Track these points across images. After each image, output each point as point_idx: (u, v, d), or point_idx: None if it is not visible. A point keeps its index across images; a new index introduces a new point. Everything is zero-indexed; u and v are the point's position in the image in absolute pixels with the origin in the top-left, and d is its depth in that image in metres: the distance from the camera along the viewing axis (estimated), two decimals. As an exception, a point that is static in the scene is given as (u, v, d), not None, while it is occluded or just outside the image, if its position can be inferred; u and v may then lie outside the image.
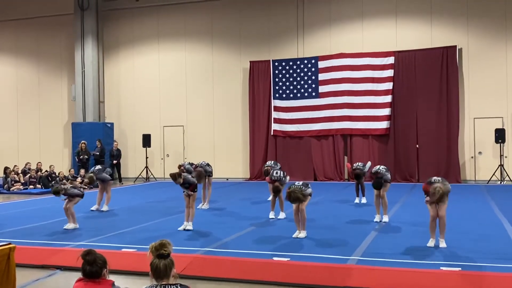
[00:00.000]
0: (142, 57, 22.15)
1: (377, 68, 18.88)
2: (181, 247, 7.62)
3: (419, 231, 8.79)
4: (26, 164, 19.08)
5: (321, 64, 19.52)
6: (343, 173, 19.33)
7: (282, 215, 10.59)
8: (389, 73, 18.73)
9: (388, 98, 18.73)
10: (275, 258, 7.02)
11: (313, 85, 19.69)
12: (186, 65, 21.54)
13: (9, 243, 4.65)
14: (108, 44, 22.57)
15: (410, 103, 18.53)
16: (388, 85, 18.74)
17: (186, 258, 7.00)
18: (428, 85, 18.30)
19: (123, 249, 7.72)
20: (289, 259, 6.97)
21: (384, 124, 18.71)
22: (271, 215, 10.62)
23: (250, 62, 20.43)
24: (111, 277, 4.03)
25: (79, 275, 3.90)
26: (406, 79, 18.61)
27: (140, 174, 21.20)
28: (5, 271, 4.48)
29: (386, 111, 18.75)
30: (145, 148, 20.96)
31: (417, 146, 18.46)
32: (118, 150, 20.63)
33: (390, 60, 18.71)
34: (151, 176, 21.16)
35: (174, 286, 3.55)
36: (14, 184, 17.79)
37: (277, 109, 20.11)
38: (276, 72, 20.10)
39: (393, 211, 11.18)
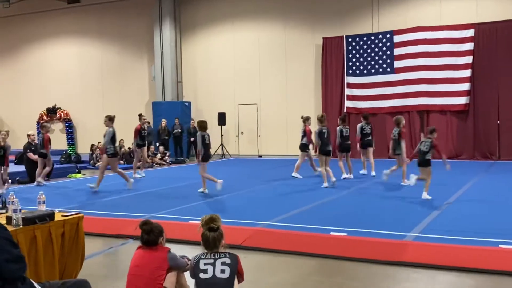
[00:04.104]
0: (217, 38, 22.61)
1: (456, 42, 18.11)
2: (244, 220, 7.99)
3: (484, 208, 8.64)
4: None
5: (397, 39, 19.02)
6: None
7: (350, 176, 13.20)
8: (469, 46, 17.91)
9: (467, 73, 17.97)
10: (332, 233, 7.17)
11: (388, 61, 19.25)
12: (259, 43, 21.76)
13: (78, 213, 5.13)
14: (185, 26, 23.22)
15: (491, 77, 17.65)
16: (468, 59, 17.95)
17: (247, 230, 7.35)
18: (511, 58, 17.34)
19: (190, 221, 8.17)
20: (346, 234, 7.09)
21: (463, 100, 18.01)
22: (344, 175, 13.19)
23: (323, 38, 20.28)
24: (168, 245, 4.39)
25: None
26: (487, 53, 17.72)
27: (215, 152, 21.84)
28: (75, 238, 4.95)
29: (465, 86, 18.01)
30: (220, 126, 21.54)
31: (498, 122, 17.63)
32: (195, 129, 21.28)
33: (470, 32, 17.87)
34: (226, 153, 21.76)
35: (223, 254, 3.93)
36: (99, 160, 18.96)
37: (350, 85, 19.87)
38: (350, 48, 19.82)
39: (464, 189, 10.91)
